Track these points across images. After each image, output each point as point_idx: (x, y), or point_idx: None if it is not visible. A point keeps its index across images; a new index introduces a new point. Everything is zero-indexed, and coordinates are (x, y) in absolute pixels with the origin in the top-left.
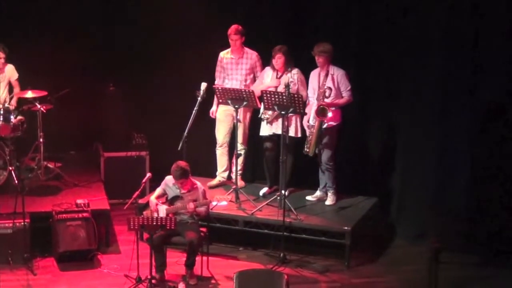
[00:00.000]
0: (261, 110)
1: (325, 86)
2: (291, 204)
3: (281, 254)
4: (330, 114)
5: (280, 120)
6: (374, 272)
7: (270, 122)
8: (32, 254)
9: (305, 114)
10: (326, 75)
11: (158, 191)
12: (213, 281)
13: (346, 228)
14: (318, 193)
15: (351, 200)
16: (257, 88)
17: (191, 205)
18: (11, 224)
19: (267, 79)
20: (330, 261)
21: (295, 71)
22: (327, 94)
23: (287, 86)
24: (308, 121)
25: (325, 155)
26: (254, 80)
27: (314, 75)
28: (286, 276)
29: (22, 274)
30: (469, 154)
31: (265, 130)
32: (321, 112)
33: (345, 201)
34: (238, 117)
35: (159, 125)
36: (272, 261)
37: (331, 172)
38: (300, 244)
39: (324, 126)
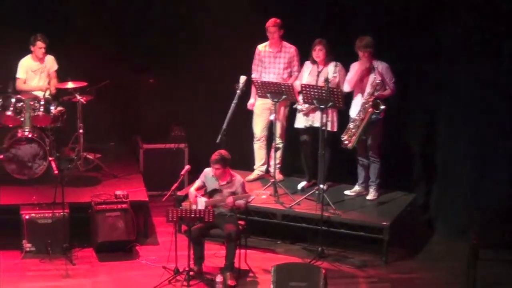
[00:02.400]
0: (297, 102)
1: (376, 80)
2: (330, 198)
3: (319, 248)
4: (383, 107)
5: (316, 112)
6: (412, 268)
7: (306, 114)
8: (71, 244)
9: (343, 108)
10: (371, 69)
11: (197, 183)
12: (250, 274)
13: (384, 223)
14: (356, 187)
15: (390, 195)
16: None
17: (230, 199)
18: (50, 214)
19: (307, 72)
20: (368, 256)
21: (337, 64)
22: (377, 87)
23: (326, 80)
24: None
25: (371, 149)
26: (291, 74)
27: (354, 68)
28: (324, 270)
29: (61, 264)
30: (510, 150)
31: (301, 122)
32: (375, 105)
33: (384, 196)
34: (276, 110)
35: (198, 117)
36: (310, 255)
37: (376, 166)
38: (338, 238)
39: (373, 119)
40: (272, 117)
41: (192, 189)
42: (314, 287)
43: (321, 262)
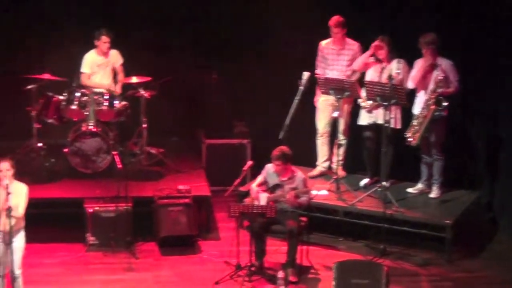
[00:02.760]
0: (360, 99)
1: (439, 77)
2: (392, 195)
3: (381, 246)
4: (445, 104)
5: (380, 109)
6: (475, 267)
7: (369, 111)
8: (134, 238)
9: (407, 105)
10: (434, 66)
11: (259, 179)
12: (312, 271)
13: (447, 221)
14: (419, 185)
15: (453, 194)
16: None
17: (291, 193)
18: (114, 208)
19: (371, 69)
20: (431, 255)
21: (400, 61)
22: (440, 84)
23: (390, 77)
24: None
25: (434, 146)
26: (353, 71)
27: (418, 65)
28: (386, 268)
29: (124, 258)
30: None
31: (364, 118)
32: (438, 102)
33: (448, 194)
34: (339, 107)
35: (261, 113)
36: (372, 253)
37: (440, 164)
38: (401, 236)
39: (436, 116)
40: (335, 114)
41: (254, 185)
42: (376, 285)
43: (383, 260)
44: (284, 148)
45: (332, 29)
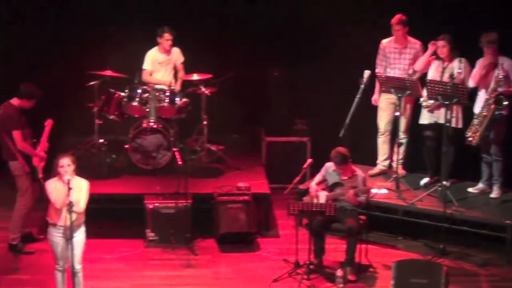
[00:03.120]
0: (422, 98)
1: (500, 76)
2: (452, 195)
3: (441, 246)
4: (506, 103)
5: (441, 109)
6: None
7: (431, 110)
8: (193, 234)
9: (468, 104)
10: (495, 64)
11: (319, 177)
12: (371, 270)
13: (508, 221)
14: (480, 185)
15: None
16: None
17: (350, 192)
18: (174, 204)
19: (432, 68)
20: (491, 255)
21: (462, 60)
22: (501, 83)
23: (451, 76)
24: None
25: (494, 146)
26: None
27: (479, 64)
28: (445, 268)
29: (183, 254)
30: None
31: (426, 118)
32: (497, 101)
33: (509, 194)
34: (400, 106)
35: (321, 111)
36: (431, 252)
37: (499, 164)
38: (460, 236)
39: (496, 116)
40: (397, 113)
41: (313, 183)
42: (435, 285)
43: (442, 259)
44: (341, 149)
45: (394, 26)
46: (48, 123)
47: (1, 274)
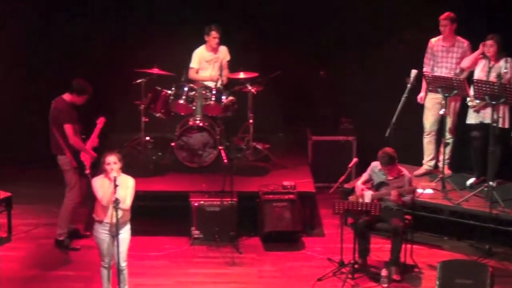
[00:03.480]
0: (468, 98)
1: None
2: (499, 196)
3: (487, 246)
4: None
5: (488, 109)
6: None
7: (477, 110)
8: (238, 232)
9: None
10: None
11: (364, 176)
12: (416, 270)
13: None
14: None
15: None
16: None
17: (395, 192)
18: (219, 202)
19: (478, 68)
20: None
21: (508, 60)
22: None
23: (499, 76)
24: None
25: None
26: (462, 70)
27: None
28: (491, 269)
29: (228, 252)
30: None
31: (472, 118)
32: None
33: None
34: (446, 105)
35: (367, 110)
36: (476, 253)
37: None
38: (506, 236)
39: None
40: (442, 112)
41: (359, 183)
42: (480, 285)
43: (488, 260)
44: (388, 150)
45: (441, 22)
46: (100, 121)
47: (48, 270)
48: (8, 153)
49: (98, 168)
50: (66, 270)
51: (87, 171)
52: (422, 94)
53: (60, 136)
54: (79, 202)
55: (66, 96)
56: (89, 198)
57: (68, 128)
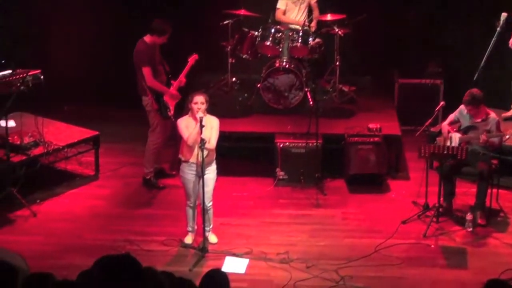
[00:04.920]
0: None
1: None
2: None
3: None
4: None
5: None
6: None
7: None
8: (323, 174)
9: None
10: None
11: (451, 119)
12: (501, 214)
13: None
14: None
15: None
16: None
17: (483, 136)
18: (304, 144)
19: None
20: None
21: None
22: None
23: None
24: None
25: None
26: None
27: None
28: None
29: (313, 193)
30: None
31: None
32: None
33: None
34: None
35: (456, 53)
36: None
37: None
38: None
39: None
40: None
41: (446, 125)
42: None
43: None
44: (474, 91)
45: None
46: (192, 58)
47: (134, 208)
48: (97, 92)
49: (183, 109)
50: (151, 209)
51: (170, 113)
52: None
53: (142, 78)
54: (161, 144)
55: (147, 38)
56: (172, 139)
57: (146, 70)
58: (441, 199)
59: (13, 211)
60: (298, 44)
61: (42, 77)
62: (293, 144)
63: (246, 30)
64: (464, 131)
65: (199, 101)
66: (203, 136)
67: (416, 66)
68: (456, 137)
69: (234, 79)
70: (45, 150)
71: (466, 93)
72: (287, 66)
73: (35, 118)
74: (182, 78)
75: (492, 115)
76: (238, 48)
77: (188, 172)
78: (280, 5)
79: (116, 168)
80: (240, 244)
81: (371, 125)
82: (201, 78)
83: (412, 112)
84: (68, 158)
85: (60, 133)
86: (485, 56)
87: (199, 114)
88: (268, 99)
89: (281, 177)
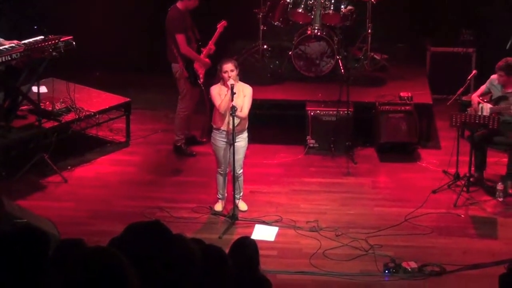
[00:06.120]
0: None
1: None
2: None
3: None
4: None
5: None
6: None
7: None
8: (354, 143)
9: None
10: None
11: (482, 91)
12: None
13: None
14: None
15: None
16: None
17: None
18: (335, 112)
19: None
20: None
21: None
22: None
23: None
24: None
25: None
26: None
27: None
28: None
29: (343, 162)
30: None
31: None
32: None
33: None
34: None
35: (489, 22)
36: None
37: None
38: None
39: None
40: None
41: (476, 97)
42: None
43: None
44: (510, 59)
45: None
46: (221, 25)
47: (164, 175)
48: (128, 59)
49: (213, 76)
50: (182, 176)
51: (200, 81)
52: None
53: (173, 44)
54: (190, 111)
55: (179, 4)
56: (202, 106)
57: (179, 37)
58: (472, 168)
59: (44, 177)
60: (330, 11)
61: (74, 43)
62: (324, 112)
63: None
64: (495, 101)
65: (228, 69)
66: (234, 103)
67: (449, 34)
68: (487, 108)
69: (265, 46)
70: (77, 116)
71: (501, 60)
72: (318, 33)
73: (67, 84)
74: (211, 46)
75: None
76: (270, 15)
77: (219, 140)
78: None
79: (147, 135)
80: (270, 212)
81: (402, 94)
82: (233, 46)
83: (444, 81)
84: (99, 124)
85: (91, 99)
86: None
87: (230, 81)
88: (299, 67)
89: (311, 145)
